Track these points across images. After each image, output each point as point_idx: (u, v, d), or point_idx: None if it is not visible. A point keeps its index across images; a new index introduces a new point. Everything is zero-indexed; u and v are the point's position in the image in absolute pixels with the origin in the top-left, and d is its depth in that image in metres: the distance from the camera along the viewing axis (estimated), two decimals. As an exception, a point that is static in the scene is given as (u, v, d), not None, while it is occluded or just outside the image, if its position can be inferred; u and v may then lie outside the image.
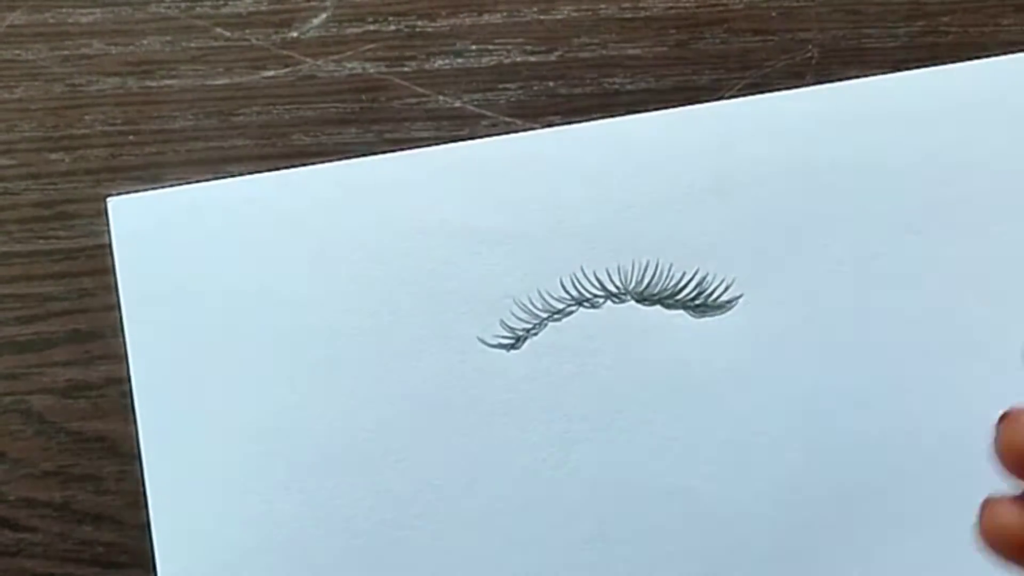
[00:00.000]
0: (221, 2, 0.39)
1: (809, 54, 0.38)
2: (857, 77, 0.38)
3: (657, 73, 0.38)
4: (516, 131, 0.38)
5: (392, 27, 0.39)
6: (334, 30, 0.38)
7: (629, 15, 0.39)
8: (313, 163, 0.38)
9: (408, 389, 0.36)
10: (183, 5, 0.39)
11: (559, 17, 0.39)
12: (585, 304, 0.36)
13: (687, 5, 0.39)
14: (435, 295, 0.37)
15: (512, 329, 0.36)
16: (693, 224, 0.37)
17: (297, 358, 0.36)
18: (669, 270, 0.36)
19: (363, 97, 0.38)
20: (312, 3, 0.39)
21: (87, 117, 0.38)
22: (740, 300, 0.36)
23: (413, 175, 0.37)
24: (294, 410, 0.36)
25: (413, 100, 0.38)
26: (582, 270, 0.37)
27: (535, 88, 0.38)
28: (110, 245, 0.37)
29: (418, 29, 0.39)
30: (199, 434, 0.36)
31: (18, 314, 0.37)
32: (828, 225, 0.37)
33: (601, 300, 0.36)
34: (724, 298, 0.36)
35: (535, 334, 0.36)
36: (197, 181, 0.37)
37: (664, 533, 0.35)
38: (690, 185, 0.37)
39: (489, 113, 0.38)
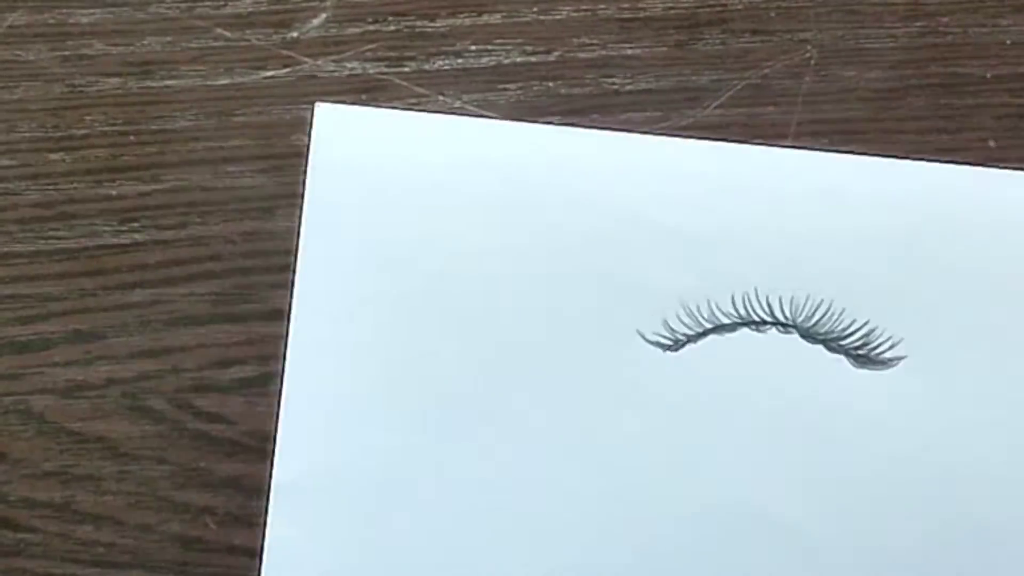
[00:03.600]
0: (221, 2, 0.39)
1: (808, 54, 0.38)
2: (856, 77, 0.38)
3: (656, 73, 0.38)
4: (516, 131, 0.38)
5: (392, 27, 0.39)
6: (334, 30, 0.39)
7: (628, 15, 0.39)
8: (313, 163, 0.38)
9: (553, 362, 0.36)
10: (183, 5, 0.39)
11: (558, 17, 0.39)
12: (751, 326, 0.36)
13: (686, 5, 0.39)
14: (605, 279, 0.36)
15: (673, 331, 0.36)
16: (877, 274, 0.36)
17: (454, 304, 0.36)
18: (840, 313, 0.36)
19: (363, 97, 0.38)
20: (312, 3, 0.39)
21: (87, 117, 0.38)
22: (903, 361, 0.36)
23: (626, 159, 0.37)
24: (435, 357, 0.36)
25: (413, 100, 0.38)
26: (756, 291, 0.36)
27: (534, 88, 0.38)
28: (306, 154, 0.37)
29: (418, 29, 0.39)
30: (343, 352, 0.36)
31: (18, 314, 0.37)
32: (1018, 308, 0.36)
33: (767, 326, 0.36)
34: (888, 355, 0.36)
35: (694, 342, 0.36)
36: (197, 178, 0.38)
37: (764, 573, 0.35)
38: (884, 236, 0.36)
39: (489, 113, 0.38)
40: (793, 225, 0.37)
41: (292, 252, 0.37)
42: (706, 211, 0.37)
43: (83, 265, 0.37)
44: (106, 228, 0.38)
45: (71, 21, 0.39)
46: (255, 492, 0.36)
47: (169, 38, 0.38)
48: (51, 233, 0.38)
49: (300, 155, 0.38)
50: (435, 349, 0.36)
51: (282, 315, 0.37)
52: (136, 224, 0.38)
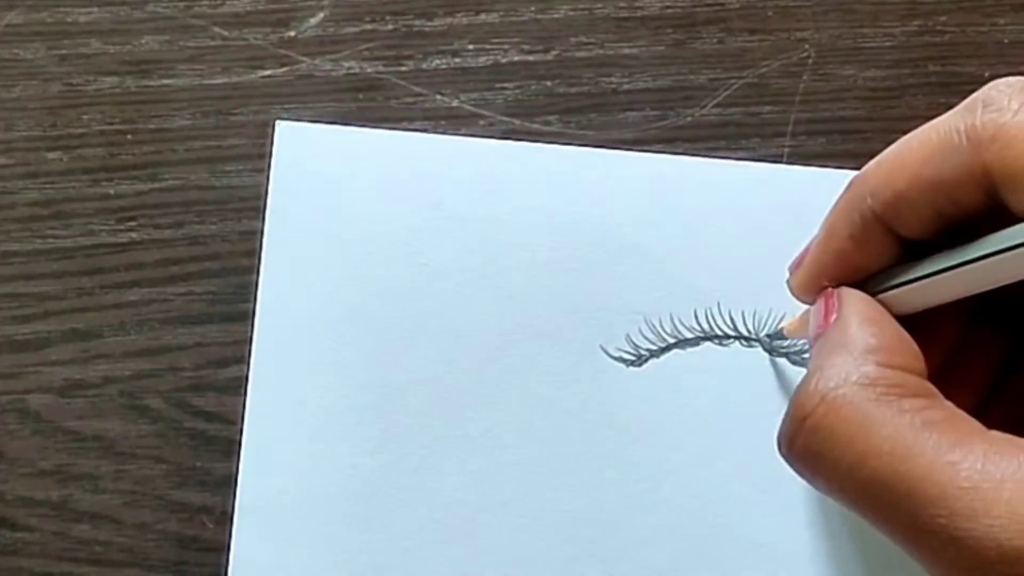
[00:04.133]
0: (219, 1, 0.39)
1: (805, 53, 0.38)
2: (853, 76, 0.38)
3: (654, 72, 0.38)
4: (513, 131, 0.38)
5: (389, 26, 0.39)
6: (331, 29, 0.39)
7: (626, 14, 0.39)
8: (310, 162, 0.38)
9: (518, 378, 0.36)
10: (181, 5, 0.39)
11: (556, 16, 0.39)
12: (714, 340, 0.36)
13: (683, 4, 0.39)
14: (568, 294, 0.36)
15: (636, 346, 0.36)
16: None
17: (418, 322, 0.36)
18: None
19: (360, 96, 0.38)
20: (309, 2, 0.39)
21: (85, 116, 0.38)
22: None
23: (589, 174, 0.37)
24: (400, 374, 0.36)
25: (410, 99, 0.38)
26: (719, 306, 0.36)
27: (532, 87, 0.38)
28: (267, 170, 0.37)
29: (415, 28, 0.39)
30: (307, 370, 0.36)
31: (15, 313, 0.37)
32: None
33: (731, 340, 0.36)
34: None
35: (658, 357, 0.36)
36: (194, 177, 0.38)
37: None
38: None
39: (486, 112, 0.38)
40: (755, 239, 0.37)
41: (289, 251, 0.37)
42: (667, 225, 0.37)
43: (80, 264, 0.37)
44: (103, 227, 0.38)
45: (69, 20, 0.39)
46: (252, 491, 0.36)
47: (167, 37, 0.38)
48: (48, 232, 0.38)
49: (297, 154, 0.38)
50: (400, 367, 0.36)
51: (279, 314, 0.37)
52: (133, 223, 0.38)
